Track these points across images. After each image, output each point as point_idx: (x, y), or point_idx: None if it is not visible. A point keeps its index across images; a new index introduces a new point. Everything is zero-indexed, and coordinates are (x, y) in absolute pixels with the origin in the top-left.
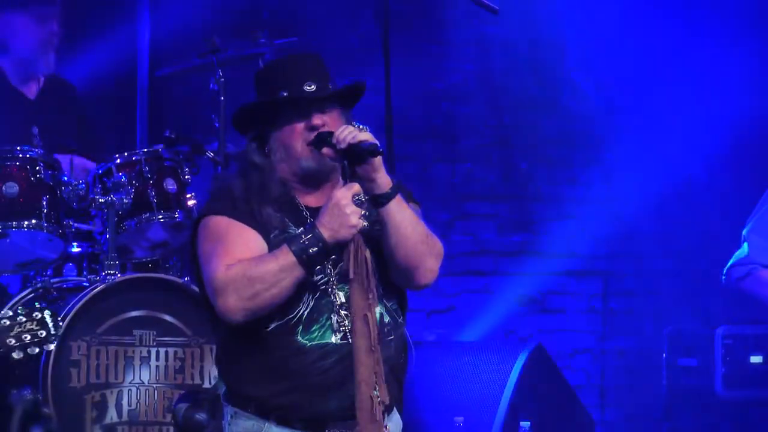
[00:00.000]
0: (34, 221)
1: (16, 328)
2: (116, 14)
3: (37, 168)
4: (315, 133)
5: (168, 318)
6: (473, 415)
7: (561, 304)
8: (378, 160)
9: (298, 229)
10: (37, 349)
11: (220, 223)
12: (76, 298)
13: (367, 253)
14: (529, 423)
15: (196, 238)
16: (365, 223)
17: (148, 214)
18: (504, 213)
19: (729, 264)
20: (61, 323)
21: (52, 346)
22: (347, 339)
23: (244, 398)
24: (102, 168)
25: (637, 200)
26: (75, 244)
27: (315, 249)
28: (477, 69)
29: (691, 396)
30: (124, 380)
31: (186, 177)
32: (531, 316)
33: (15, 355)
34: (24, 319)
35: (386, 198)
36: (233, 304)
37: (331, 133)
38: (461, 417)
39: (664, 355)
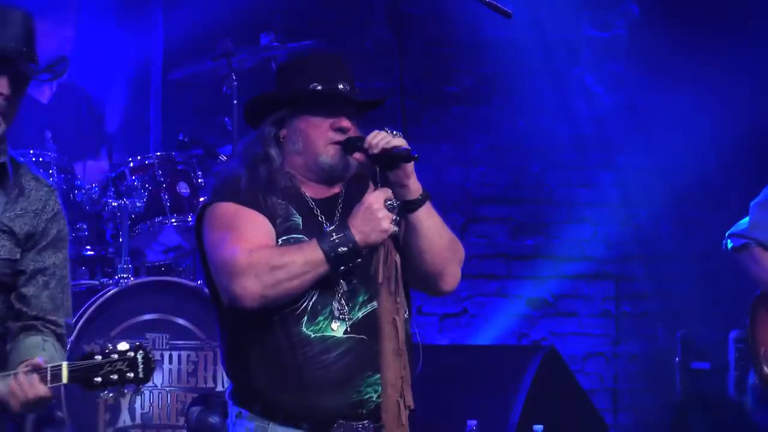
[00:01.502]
0: None
1: (106, 367)
2: (130, 17)
3: (51, 172)
4: (340, 133)
5: (181, 321)
6: (487, 419)
7: (574, 308)
8: (410, 166)
9: (302, 218)
10: (126, 390)
11: (229, 209)
12: (90, 302)
13: (397, 258)
14: (542, 427)
15: (201, 226)
16: (396, 228)
17: (161, 218)
18: (517, 216)
19: (730, 231)
20: (153, 366)
21: (140, 390)
22: (349, 332)
23: (249, 395)
24: (115, 171)
25: (650, 203)
26: (88, 247)
27: (345, 249)
28: (490, 72)
29: (704, 399)
30: None
31: (199, 180)
32: (544, 319)
33: (102, 395)
34: (116, 357)
35: (417, 204)
36: (252, 289)
37: (361, 138)
38: (475, 420)
39: (677, 358)
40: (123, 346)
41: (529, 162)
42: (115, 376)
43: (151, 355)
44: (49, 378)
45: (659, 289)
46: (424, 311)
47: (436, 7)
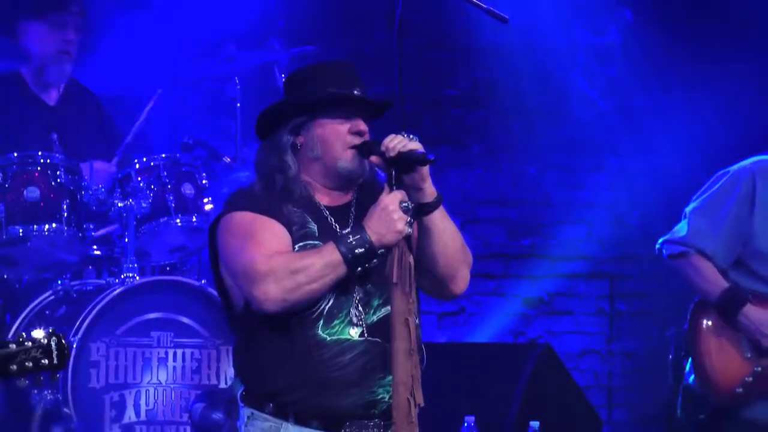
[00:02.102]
0: (54, 225)
1: (20, 355)
2: (135, 20)
3: (58, 173)
4: (357, 136)
5: (185, 320)
6: (484, 415)
7: (569, 306)
8: (426, 169)
9: (317, 225)
10: (42, 377)
11: (245, 217)
12: (96, 301)
13: (411, 259)
14: (538, 423)
15: (216, 234)
16: (410, 230)
17: (166, 218)
18: (513, 217)
19: (665, 237)
20: (67, 352)
21: (56, 377)
22: (365, 335)
23: (261, 396)
24: (122, 173)
25: (643, 205)
26: (95, 247)
27: (361, 250)
28: (487, 76)
29: (696, 396)
30: (142, 380)
31: (203, 182)
32: (540, 318)
33: (19, 383)
34: (30, 345)
35: (432, 207)
36: (273, 293)
37: (377, 142)
38: (472, 416)
39: (670, 356)
40: (38, 333)
41: (525, 164)
42: (30, 364)
43: (65, 342)
44: None
45: (653, 288)
46: (423, 310)
47: (435, 12)
